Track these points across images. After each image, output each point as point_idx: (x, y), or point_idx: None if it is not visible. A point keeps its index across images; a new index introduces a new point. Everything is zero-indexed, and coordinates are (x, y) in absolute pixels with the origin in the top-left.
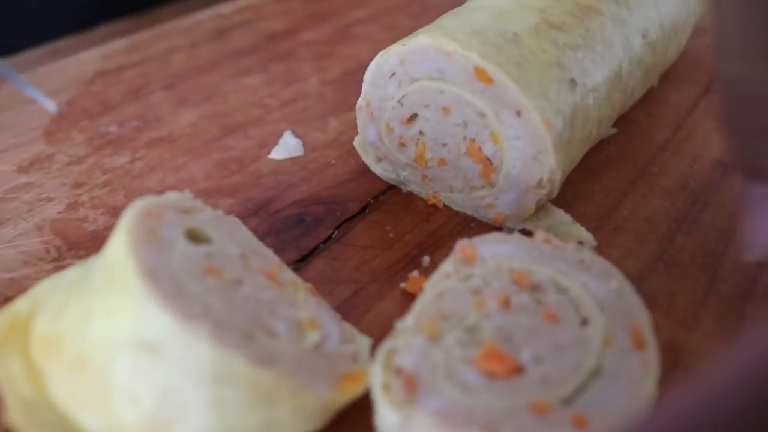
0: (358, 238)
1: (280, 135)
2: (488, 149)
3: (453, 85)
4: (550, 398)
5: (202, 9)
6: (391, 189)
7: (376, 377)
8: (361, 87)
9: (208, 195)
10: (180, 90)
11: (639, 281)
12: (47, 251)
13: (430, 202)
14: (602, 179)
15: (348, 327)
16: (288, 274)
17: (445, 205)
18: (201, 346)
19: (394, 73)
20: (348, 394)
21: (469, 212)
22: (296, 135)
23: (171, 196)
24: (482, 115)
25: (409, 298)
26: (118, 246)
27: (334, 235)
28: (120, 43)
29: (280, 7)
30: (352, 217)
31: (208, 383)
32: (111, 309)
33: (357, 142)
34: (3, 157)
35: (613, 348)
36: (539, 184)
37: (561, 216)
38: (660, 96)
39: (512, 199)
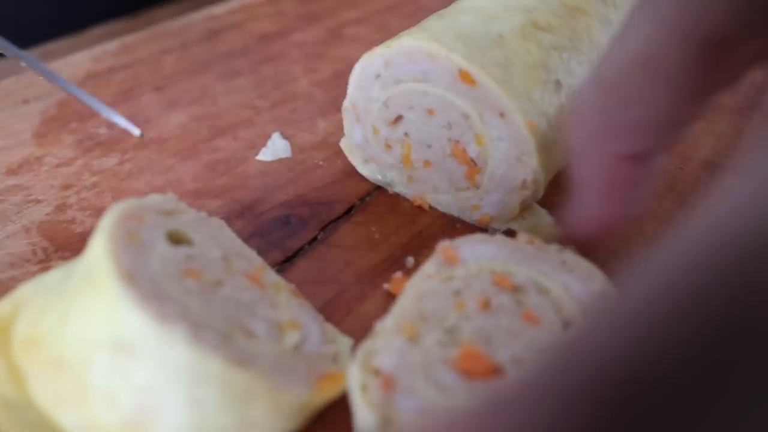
0: (343, 239)
1: (268, 136)
2: (473, 150)
3: (437, 86)
4: None
5: (194, 11)
6: (377, 190)
7: (353, 378)
8: None
9: (196, 196)
10: (170, 92)
11: None
12: (34, 253)
13: (416, 204)
14: None
15: (330, 328)
16: (271, 276)
17: (431, 207)
18: (178, 347)
19: (379, 75)
20: (326, 394)
21: (455, 213)
22: (285, 136)
23: (153, 198)
24: (466, 116)
25: (392, 299)
26: (97, 248)
27: (319, 237)
28: (111, 45)
29: (272, 9)
30: (338, 218)
31: (184, 383)
32: (89, 310)
33: (343, 144)
34: None
35: None
36: (523, 185)
37: (546, 217)
38: None
39: (497, 200)
